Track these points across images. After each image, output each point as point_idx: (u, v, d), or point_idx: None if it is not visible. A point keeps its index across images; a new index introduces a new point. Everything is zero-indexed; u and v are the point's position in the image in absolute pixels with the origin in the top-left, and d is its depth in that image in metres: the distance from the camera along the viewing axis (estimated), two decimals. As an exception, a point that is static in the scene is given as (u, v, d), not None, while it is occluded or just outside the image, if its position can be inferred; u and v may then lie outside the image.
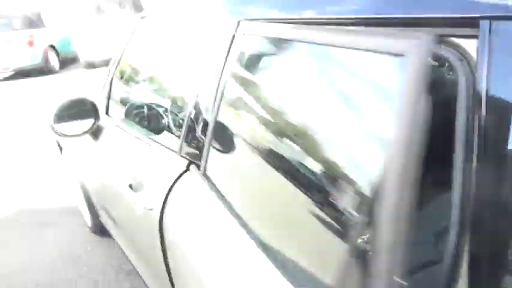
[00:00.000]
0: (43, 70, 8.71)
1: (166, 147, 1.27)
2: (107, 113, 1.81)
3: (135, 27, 1.72)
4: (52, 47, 9.01)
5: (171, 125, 1.40)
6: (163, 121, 1.47)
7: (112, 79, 1.81)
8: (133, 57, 1.84)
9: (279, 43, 0.91)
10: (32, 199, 3.13)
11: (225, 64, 0.97)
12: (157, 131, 1.47)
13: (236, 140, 1.01)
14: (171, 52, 1.58)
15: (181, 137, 1.18)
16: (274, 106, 0.90)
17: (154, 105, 1.56)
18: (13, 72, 8.72)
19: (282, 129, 0.85)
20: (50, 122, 1.60)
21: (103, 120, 1.74)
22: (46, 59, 8.77)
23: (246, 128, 0.98)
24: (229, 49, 1.00)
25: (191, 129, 1.12)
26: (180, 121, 1.27)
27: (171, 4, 1.60)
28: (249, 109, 0.97)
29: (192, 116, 1.14)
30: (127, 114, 1.70)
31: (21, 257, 2.39)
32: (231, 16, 1.08)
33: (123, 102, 1.83)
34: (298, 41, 0.83)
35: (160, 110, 1.50)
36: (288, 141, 0.84)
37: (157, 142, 1.38)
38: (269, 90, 0.91)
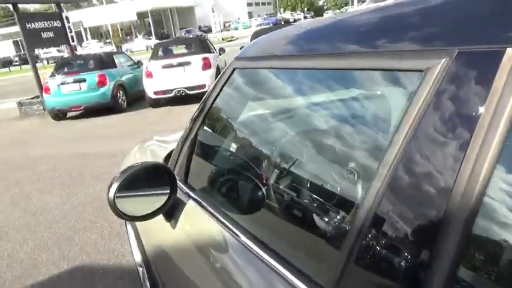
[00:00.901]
0: (111, 108, 8.85)
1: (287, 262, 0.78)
2: (186, 181, 1.34)
3: (230, 71, 1.26)
4: (121, 85, 9.19)
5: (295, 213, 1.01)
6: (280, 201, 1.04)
7: (196, 135, 1.36)
8: (228, 109, 1.39)
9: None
10: None
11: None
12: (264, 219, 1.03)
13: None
14: (292, 103, 1.13)
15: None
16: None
17: (259, 176, 1.08)
18: (83, 111, 8.97)
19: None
20: (111, 195, 1.10)
21: (181, 193, 1.27)
22: (115, 98, 8.92)
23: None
24: None
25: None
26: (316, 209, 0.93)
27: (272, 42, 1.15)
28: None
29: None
30: (218, 185, 1.23)
31: None
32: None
33: (214, 167, 1.38)
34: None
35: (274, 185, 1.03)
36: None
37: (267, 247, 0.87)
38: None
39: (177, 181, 1.27)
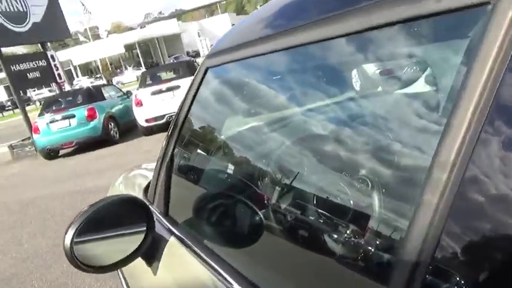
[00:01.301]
0: (104, 141, 8.65)
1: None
2: (166, 213, 1.11)
3: (202, 72, 1.05)
4: (112, 117, 9.01)
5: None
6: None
7: (172, 156, 1.13)
8: (207, 118, 1.17)
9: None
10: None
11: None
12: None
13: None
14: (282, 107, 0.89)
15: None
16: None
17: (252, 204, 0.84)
18: (76, 147, 8.76)
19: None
20: (66, 242, 0.85)
21: (163, 229, 1.04)
22: (106, 130, 8.73)
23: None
24: None
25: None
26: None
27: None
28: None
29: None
30: (205, 216, 1.00)
31: None
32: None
33: (198, 193, 1.13)
34: None
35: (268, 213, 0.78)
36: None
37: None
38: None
39: (157, 214, 1.05)
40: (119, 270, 1.87)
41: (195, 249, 0.88)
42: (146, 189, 1.38)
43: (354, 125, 0.74)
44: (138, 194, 1.48)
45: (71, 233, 0.85)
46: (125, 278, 1.55)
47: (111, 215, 0.94)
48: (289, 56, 0.79)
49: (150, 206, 1.04)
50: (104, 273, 0.99)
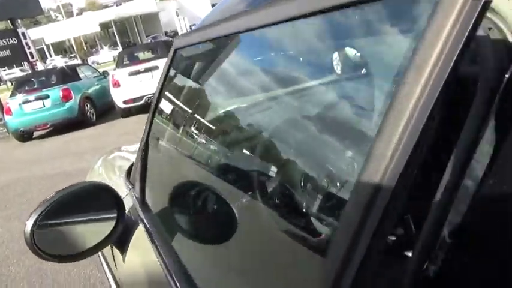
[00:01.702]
0: (80, 122, 8.43)
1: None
2: (143, 200, 1.07)
3: (171, 54, 0.99)
4: (88, 98, 8.77)
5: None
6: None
7: (147, 141, 1.09)
8: (180, 102, 1.10)
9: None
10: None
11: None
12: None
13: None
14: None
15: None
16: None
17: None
18: (51, 128, 8.51)
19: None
20: (27, 228, 0.81)
21: (138, 218, 1.01)
22: (83, 111, 8.50)
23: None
24: None
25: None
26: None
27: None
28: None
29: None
30: (178, 204, 0.96)
31: None
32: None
33: (173, 180, 1.06)
34: None
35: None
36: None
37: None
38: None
39: (135, 201, 1.01)
40: (100, 253, 1.84)
41: (158, 240, 0.86)
42: (129, 173, 1.33)
43: (332, 110, 0.65)
44: (119, 178, 1.44)
45: (32, 219, 0.81)
46: (106, 260, 1.52)
47: (81, 202, 0.90)
48: (258, 36, 0.73)
49: (131, 191, 1.01)
50: (71, 262, 0.96)
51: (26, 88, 8.66)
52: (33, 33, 26.02)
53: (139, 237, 0.95)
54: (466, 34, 0.31)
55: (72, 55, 42.32)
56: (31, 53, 10.73)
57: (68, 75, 8.89)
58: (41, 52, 32.82)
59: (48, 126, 8.40)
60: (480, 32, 0.36)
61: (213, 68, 0.97)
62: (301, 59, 0.71)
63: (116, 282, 1.46)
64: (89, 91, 8.93)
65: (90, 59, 32.80)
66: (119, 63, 8.69)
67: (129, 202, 1.12)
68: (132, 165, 1.34)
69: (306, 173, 0.62)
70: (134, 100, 8.07)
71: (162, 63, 8.07)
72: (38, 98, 8.22)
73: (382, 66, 0.49)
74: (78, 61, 32.00)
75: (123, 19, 43.10)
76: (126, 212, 0.97)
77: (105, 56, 35.79)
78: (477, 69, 0.39)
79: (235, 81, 0.91)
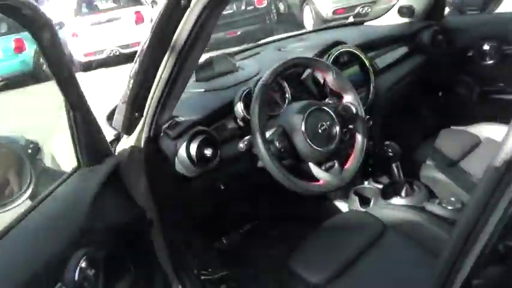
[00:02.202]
0: (35, 77, 7.84)
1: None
2: None
3: None
4: (44, 50, 8.11)
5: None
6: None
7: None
8: None
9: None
10: None
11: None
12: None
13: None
14: None
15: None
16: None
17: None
18: (4, 82, 7.89)
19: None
20: None
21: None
22: (38, 65, 7.88)
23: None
24: None
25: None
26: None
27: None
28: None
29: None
30: None
31: None
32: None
33: None
34: None
35: None
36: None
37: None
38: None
39: None
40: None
41: None
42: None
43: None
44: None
45: None
46: None
47: None
48: None
49: None
50: None
51: (-28, 38, 7.88)
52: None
53: None
54: None
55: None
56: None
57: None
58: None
59: (0, 80, 7.77)
60: None
61: None
62: None
63: None
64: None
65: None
66: (77, 11, 8.06)
67: None
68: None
69: None
70: (95, 53, 7.60)
71: (125, 13, 7.55)
72: (-15, 49, 7.52)
73: None
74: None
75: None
76: None
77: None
78: None
79: None
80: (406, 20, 2.12)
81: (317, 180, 1.25)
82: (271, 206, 1.99)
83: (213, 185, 1.42)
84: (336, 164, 1.29)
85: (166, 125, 1.26)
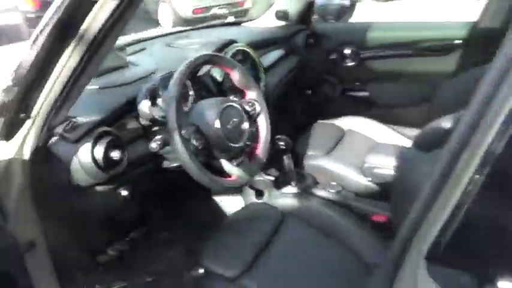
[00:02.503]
0: None
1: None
2: None
3: None
4: None
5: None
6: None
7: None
8: None
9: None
10: None
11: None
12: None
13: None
14: None
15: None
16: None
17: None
18: None
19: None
20: None
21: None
22: None
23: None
24: None
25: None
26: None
27: None
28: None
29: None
30: None
31: None
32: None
33: None
34: None
35: None
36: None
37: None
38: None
39: None
40: None
41: None
42: None
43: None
44: None
45: None
46: None
47: None
48: None
49: None
50: None
51: None
52: None
53: None
54: None
55: None
56: None
57: None
58: None
59: None
60: None
61: None
62: None
63: None
64: None
65: None
66: None
67: None
68: None
69: None
70: None
71: None
72: None
73: None
74: None
75: None
76: None
77: None
78: None
79: None
80: (282, 23, 2.29)
81: (229, 176, 1.27)
82: (164, 208, 1.92)
83: (114, 191, 1.30)
84: (245, 159, 1.33)
85: (61, 128, 1.10)
